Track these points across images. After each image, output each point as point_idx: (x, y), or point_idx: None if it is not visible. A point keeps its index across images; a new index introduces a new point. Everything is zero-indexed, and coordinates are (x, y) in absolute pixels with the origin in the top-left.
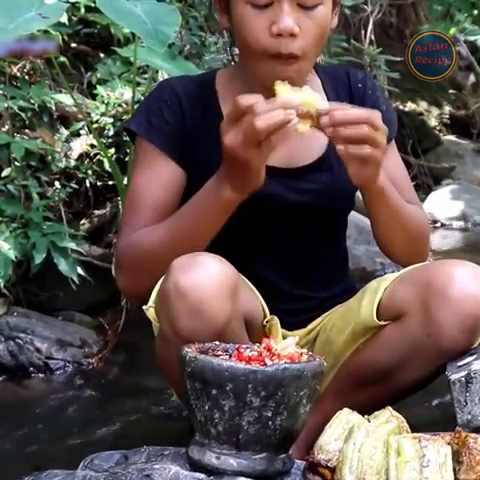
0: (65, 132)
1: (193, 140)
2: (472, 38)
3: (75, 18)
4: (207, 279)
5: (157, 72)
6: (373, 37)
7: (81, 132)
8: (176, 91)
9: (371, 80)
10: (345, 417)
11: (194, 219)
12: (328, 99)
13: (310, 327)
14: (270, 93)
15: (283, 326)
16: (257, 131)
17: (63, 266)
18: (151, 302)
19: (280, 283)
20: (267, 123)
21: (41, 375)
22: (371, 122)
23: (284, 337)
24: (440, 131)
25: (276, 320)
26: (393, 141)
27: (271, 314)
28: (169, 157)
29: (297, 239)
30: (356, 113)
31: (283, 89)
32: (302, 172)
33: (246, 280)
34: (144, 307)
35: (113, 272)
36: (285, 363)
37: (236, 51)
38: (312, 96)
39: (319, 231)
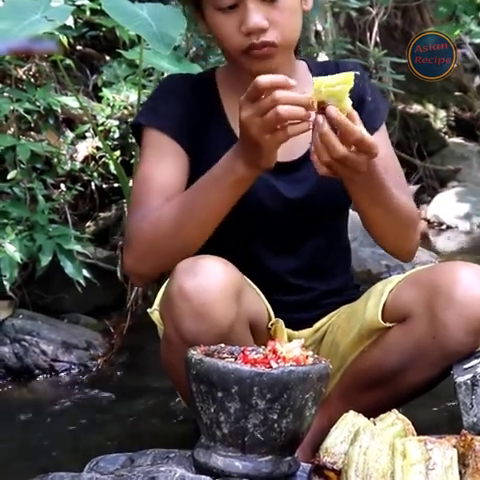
0: (71, 134)
1: (196, 131)
2: (478, 40)
3: (81, 21)
4: (211, 282)
5: (163, 74)
6: (378, 39)
7: (87, 134)
8: (180, 83)
9: (360, 70)
10: (351, 420)
11: (206, 194)
12: None
13: (316, 327)
14: None
15: (289, 326)
16: (279, 117)
17: (69, 269)
18: (156, 305)
19: (280, 272)
20: (289, 113)
21: (47, 377)
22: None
23: (290, 337)
24: (445, 133)
25: (281, 322)
26: (382, 129)
27: (276, 309)
28: (177, 142)
29: (298, 228)
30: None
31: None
32: (296, 164)
33: (251, 283)
34: (149, 310)
35: (118, 274)
36: (291, 366)
37: None
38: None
39: (319, 220)
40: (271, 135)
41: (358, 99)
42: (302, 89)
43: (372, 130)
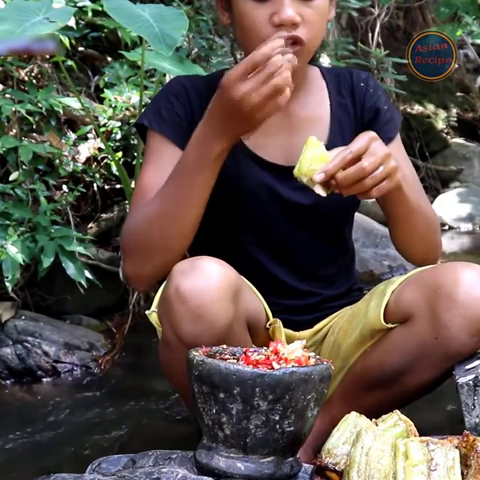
0: (73, 136)
1: None
2: (479, 41)
3: (82, 22)
4: (208, 283)
5: (164, 75)
6: (380, 40)
7: (89, 136)
8: (185, 86)
9: (374, 81)
10: (353, 420)
11: (184, 185)
12: (330, 99)
13: (317, 328)
14: None
15: (289, 326)
16: (285, 80)
17: (71, 270)
18: (154, 307)
19: (286, 278)
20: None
21: (49, 378)
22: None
23: (290, 338)
24: (447, 134)
25: (279, 323)
26: (397, 139)
27: (277, 311)
28: (179, 147)
29: (302, 236)
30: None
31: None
32: None
33: (248, 283)
34: (147, 312)
35: (121, 275)
36: (292, 367)
37: (239, 55)
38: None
39: (324, 228)
40: (273, 102)
41: (375, 110)
42: (315, 95)
43: (387, 140)
